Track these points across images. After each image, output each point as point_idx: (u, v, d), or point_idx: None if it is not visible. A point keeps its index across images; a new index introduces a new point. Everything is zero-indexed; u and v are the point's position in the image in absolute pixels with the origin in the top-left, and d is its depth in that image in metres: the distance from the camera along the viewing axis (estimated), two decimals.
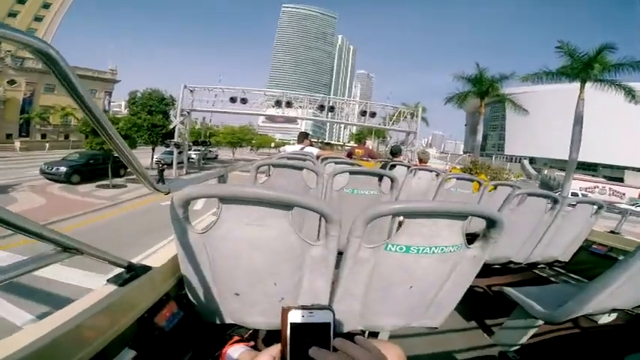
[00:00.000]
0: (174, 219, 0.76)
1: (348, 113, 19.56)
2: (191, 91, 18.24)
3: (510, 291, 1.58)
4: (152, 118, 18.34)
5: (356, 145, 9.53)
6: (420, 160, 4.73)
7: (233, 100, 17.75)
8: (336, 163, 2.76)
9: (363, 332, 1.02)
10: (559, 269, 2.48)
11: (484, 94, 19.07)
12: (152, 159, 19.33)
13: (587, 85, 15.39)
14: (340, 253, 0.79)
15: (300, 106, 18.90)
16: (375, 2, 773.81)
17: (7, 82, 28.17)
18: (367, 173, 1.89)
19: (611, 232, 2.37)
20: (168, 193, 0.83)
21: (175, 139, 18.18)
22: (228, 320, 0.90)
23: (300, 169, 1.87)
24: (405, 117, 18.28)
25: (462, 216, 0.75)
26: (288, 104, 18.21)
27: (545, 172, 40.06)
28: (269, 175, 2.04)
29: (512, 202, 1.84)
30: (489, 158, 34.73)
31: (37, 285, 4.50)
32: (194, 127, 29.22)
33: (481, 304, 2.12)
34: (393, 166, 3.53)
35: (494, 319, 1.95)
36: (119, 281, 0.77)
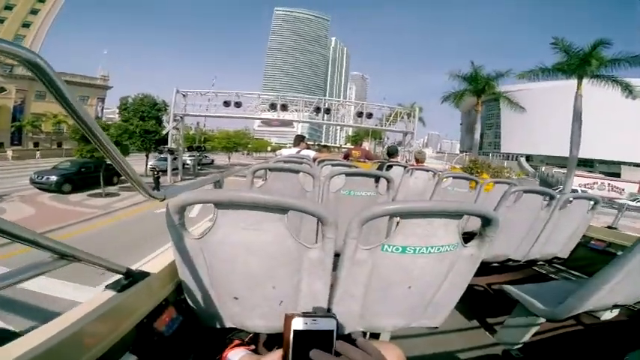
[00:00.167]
0: (170, 225, 0.76)
1: (344, 115, 19.64)
2: (184, 95, 18.16)
3: (510, 289, 1.57)
4: (144, 124, 18.10)
5: (352, 146, 9.58)
6: (417, 160, 4.75)
7: (227, 104, 17.71)
8: (332, 165, 2.76)
9: (364, 333, 1.01)
10: (558, 266, 2.49)
11: (480, 92, 19.19)
12: (146, 166, 19.14)
13: (584, 81, 15.54)
14: (338, 255, 0.79)
15: (296, 109, 18.88)
16: (368, 4, 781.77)
17: None
18: (363, 175, 1.89)
19: (609, 227, 2.39)
20: (164, 199, 0.83)
21: (169, 145, 18.03)
22: (228, 324, 0.90)
23: (297, 172, 1.87)
24: (402, 117, 18.38)
25: (457, 215, 0.76)
26: (284, 107, 18.21)
27: (543, 169, 40.44)
28: (266, 180, 2.04)
29: (509, 199, 1.85)
30: (486, 156, 34.97)
31: (25, 298, 4.36)
32: (188, 133, 29.08)
33: (481, 303, 2.12)
34: (389, 167, 3.56)
35: (496, 318, 1.95)
36: (118, 287, 0.77)
